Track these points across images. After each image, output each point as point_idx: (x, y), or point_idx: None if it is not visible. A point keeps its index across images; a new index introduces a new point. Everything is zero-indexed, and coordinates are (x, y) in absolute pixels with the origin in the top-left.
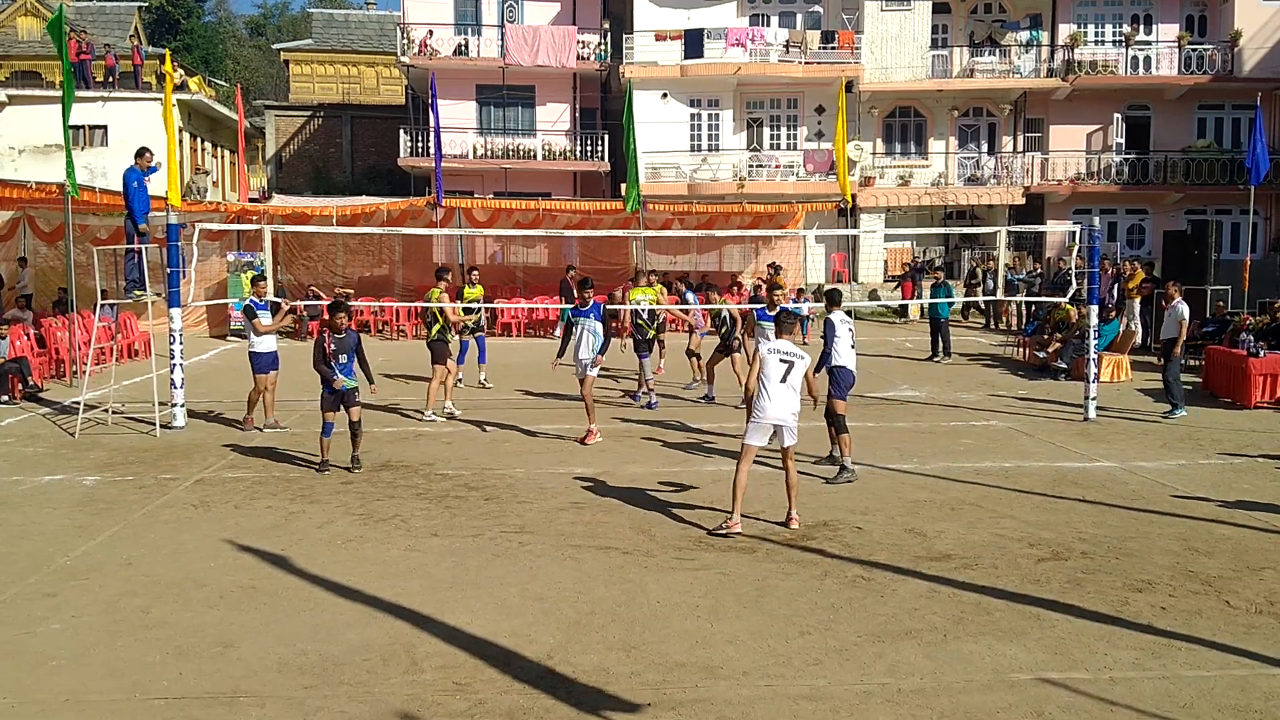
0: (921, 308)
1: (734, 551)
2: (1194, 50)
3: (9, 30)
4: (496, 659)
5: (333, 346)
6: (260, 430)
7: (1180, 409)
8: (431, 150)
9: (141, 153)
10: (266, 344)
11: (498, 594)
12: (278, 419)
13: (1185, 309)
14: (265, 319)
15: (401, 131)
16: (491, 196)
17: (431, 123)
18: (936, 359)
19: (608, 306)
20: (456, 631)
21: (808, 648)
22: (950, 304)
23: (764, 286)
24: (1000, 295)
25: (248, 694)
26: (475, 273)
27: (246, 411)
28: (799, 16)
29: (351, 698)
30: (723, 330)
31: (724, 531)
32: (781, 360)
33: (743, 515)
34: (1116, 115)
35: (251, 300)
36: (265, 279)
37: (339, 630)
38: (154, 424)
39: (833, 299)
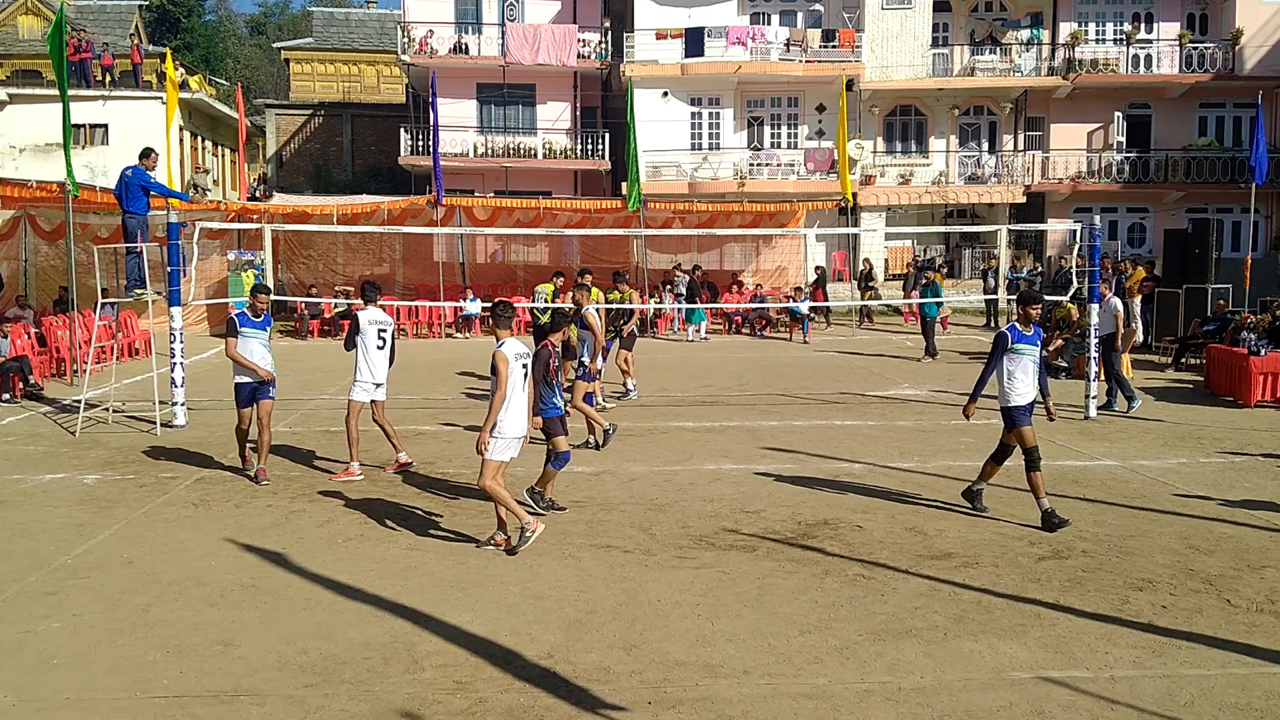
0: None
1: (734, 550)
2: (1195, 49)
3: (9, 29)
4: (497, 657)
5: (556, 362)
6: (253, 479)
7: (1136, 400)
8: (432, 149)
9: (147, 153)
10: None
11: (498, 592)
12: (263, 470)
13: (1119, 302)
14: (249, 342)
15: (402, 130)
16: (492, 195)
17: (432, 121)
18: (927, 358)
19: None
20: (457, 630)
21: (808, 646)
22: (939, 303)
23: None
24: (1002, 294)
25: (248, 692)
26: (588, 275)
27: (238, 450)
28: (800, 15)
29: (352, 696)
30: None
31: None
32: (523, 365)
33: (742, 512)
34: (1117, 114)
35: (238, 315)
36: (269, 290)
37: (340, 628)
38: (154, 422)
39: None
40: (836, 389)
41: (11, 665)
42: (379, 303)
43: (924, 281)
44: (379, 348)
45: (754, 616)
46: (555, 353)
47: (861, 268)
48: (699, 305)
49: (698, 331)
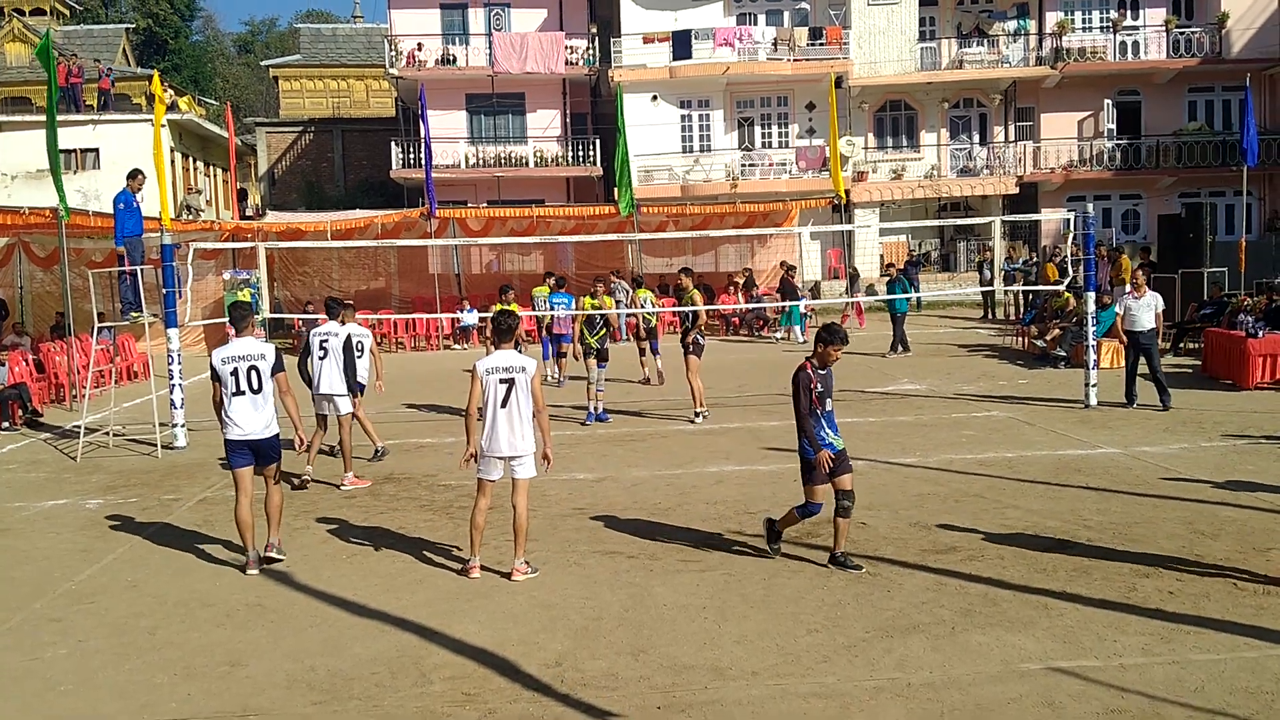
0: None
1: (739, 552)
2: (1182, 33)
3: None
4: (505, 668)
5: (819, 388)
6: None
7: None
8: (423, 161)
9: (133, 174)
10: (255, 420)
11: (504, 603)
12: (277, 542)
13: (1159, 298)
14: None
15: (393, 144)
16: (485, 205)
17: (422, 134)
18: (895, 354)
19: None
20: (464, 641)
21: (816, 645)
22: (907, 299)
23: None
24: (998, 285)
25: (257, 712)
26: (601, 285)
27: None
28: (786, 14)
29: (361, 712)
30: (682, 329)
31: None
32: (501, 380)
33: (746, 513)
34: (1107, 101)
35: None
36: (250, 310)
37: (347, 644)
38: (155, 445)
39: None
40: (836, 387)
41: (18, 692)
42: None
43: (889, 278)
44: (320, 358)
45: (761, 617)
46: (817, 376)
47: (981, 256)
48: (795, 304)
49: (790, 333)
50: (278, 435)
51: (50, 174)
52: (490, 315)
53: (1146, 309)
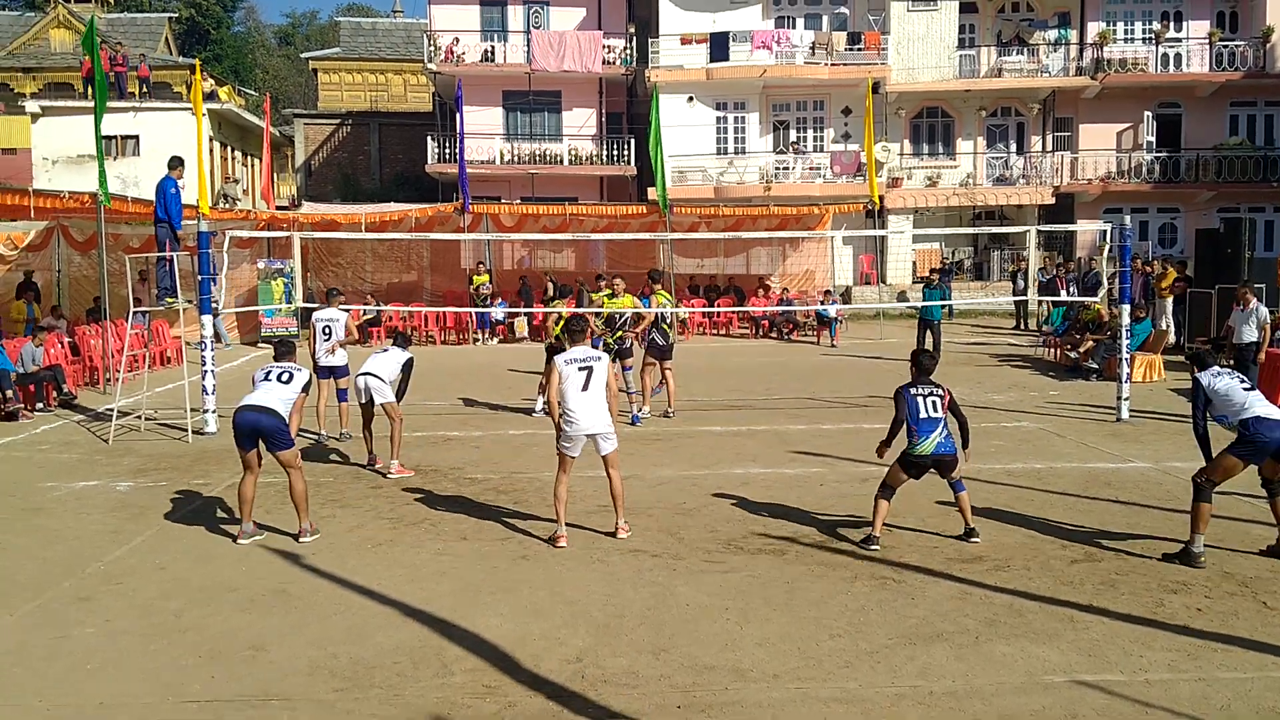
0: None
1: (763, 554)
2: (1225, 47)
3: (42, 43)
4: (526, 662)
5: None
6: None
7: None
8: (458, 157)
9: (174, 163)
10: (261, 397)
11: (527, 597)
12: (309, 527)
13: (1265, 310)
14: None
15: (429, 138)
16: (519, 202)
17: (458, 129)
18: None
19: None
20: (486, 634)
21: (838, 650)
22: (942, 307)
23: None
24: (1031, 295)
25: (279, 697)
26: (620, 281)
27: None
28: (825, 18)
29: (382, 700)
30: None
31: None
32: (580, 369)
33: (771, 516)
34: (1147, 113)
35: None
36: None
37: (369, 633)
38: (186, 430)
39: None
40: (864, 392)
41: (46, 670)
42: (340, 304)
43: (927, 284)
44: (325, 339)
45: (783, 620)
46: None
47: (1016, 266)
48: (828, 306)
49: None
50: (282, 421)
51: (96, 160)
52: (566, 319)
53: (1246, 320)
